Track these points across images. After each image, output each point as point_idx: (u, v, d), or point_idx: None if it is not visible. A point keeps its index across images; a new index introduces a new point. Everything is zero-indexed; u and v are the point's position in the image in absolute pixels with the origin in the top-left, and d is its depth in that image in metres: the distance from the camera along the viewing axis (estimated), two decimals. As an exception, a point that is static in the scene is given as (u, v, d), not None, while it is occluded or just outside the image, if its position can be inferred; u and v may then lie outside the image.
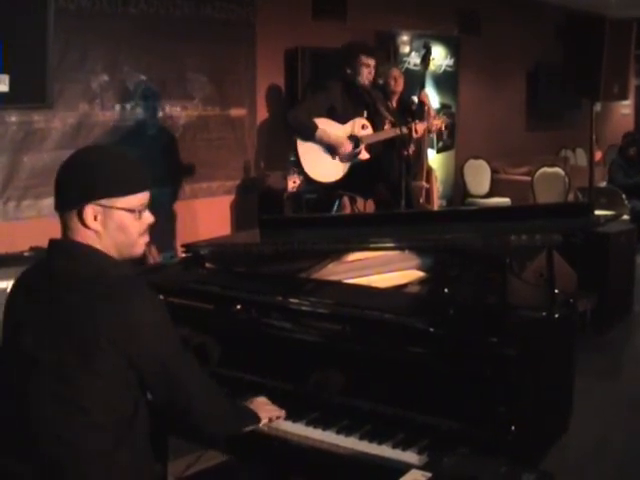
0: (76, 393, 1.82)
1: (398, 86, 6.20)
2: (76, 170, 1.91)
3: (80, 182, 1.88)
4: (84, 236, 1.91)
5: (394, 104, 5.99)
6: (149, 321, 1.87)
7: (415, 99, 6.32)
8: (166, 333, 1.92)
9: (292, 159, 5.51)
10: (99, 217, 1.89)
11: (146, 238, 1.98)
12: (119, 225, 1.91)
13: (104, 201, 1.88)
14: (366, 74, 5.38)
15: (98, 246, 1.92)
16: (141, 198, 1.94)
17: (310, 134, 5.26)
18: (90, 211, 1.88)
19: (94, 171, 1.89)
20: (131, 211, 1.92)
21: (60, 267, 1.91)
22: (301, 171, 5.47)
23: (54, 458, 1.84)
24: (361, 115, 5.43)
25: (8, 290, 2.03)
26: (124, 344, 1.82)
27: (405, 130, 5.34)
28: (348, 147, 5.30)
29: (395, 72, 6.26)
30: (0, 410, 1.94)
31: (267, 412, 2.21)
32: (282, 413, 2.23)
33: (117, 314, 1.82)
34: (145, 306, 1.87)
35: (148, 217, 1.97)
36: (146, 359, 1.88)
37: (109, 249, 1.93)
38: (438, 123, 5.84)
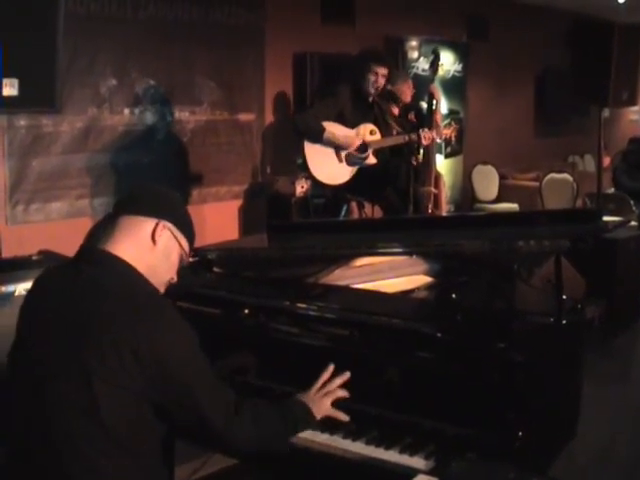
0: (92, 403, 1.79)
1: (406, 97, 6.21)
2: (171, 197, 2.12)
3: (170, 205, 2.09)
4: (137, 243, 1.97)
5: (399, 111, 5.99)
6: (175, 342, 1.85)
7: (424, 105, 6.32)
8: (192, 356, 1.90)
9: (299, 162, 5.51)
10: (163, 237, 2.01)
11: (162, 289, 2.08)
12: (169, 254, 2.04)
13: (176, 231, 2.05)
14: (373, 82, 5.37)
15: (129, 259, 1.94)
16: (188, 254, 2.13)
17: (318, 136, 5.26)
18: (162, 227, 2.01)
19: (180, 208, 2.14)
20: (183, 251, 2.08)
21: (90, 277, 1.90)
22: (308, 174, 5.48)
23: (66, 468, 1.82)
24: (369, 122, 5.44)
25: (17, 293, 2.03)
26: (148, 362, 1.80)
27: (414, 137, 5.34)
28: (357, 142, 5.30)
29: (404, 86, 6.25)
30: (17, 414, 1.93)
31: (325, 403, 2.19)
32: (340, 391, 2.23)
33: (144, 331, 1.80)
34: (172, 326, 1.87)
35: (176, 277, 2.12)
36: (169, 380, 1.85)
37: (146, 266, 1.97)
38: (448, 132, 5.84)
